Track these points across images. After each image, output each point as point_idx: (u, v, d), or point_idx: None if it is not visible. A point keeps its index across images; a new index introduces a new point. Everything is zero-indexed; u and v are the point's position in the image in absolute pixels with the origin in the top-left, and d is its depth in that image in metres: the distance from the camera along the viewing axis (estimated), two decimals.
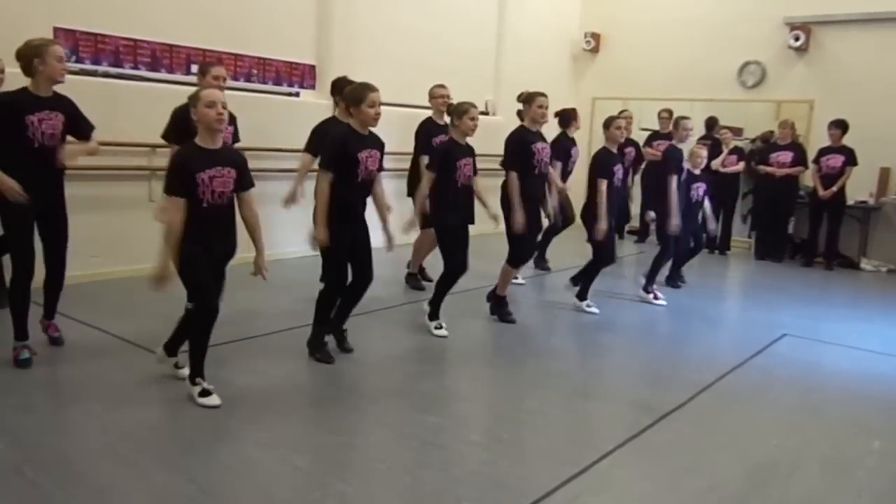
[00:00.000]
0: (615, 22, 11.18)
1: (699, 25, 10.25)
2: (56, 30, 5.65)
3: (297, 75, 7.76)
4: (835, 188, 8.57)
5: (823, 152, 8.73)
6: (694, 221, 6.68)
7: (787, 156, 8.84)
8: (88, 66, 6.04)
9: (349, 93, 4.29)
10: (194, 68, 6.80)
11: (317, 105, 7.16)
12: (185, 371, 3.78)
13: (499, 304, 5.60)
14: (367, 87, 4.17)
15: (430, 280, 6.36)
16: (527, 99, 5.42)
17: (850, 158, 8.53)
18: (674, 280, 7.08)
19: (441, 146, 5.16)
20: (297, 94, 7.73)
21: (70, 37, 5.87)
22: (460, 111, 4.88)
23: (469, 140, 5.01)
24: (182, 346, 3.87)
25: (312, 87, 7.88)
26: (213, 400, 3.62)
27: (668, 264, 6.74)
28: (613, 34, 11.25)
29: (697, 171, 6.61)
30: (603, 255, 5.85)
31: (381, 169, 4.38)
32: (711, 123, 9.66)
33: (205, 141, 3.52)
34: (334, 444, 3.36)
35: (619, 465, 3.33)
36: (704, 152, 6.71)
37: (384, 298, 5.80)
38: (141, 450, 3.17)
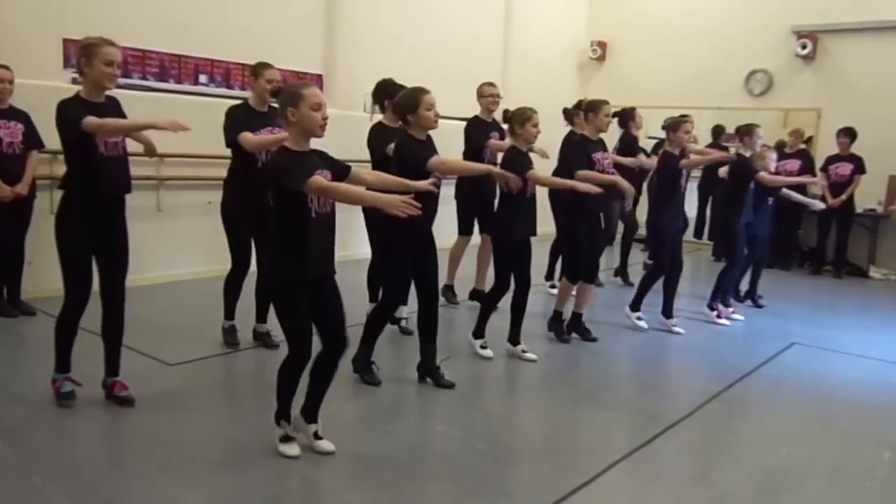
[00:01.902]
0: (622, 31, 11.18)
1: (706, 34, 10.24)
2: (65, 41, 5.70)
3: None
4: (844, 196, 8.54)
5: (832, 160, 8.71)
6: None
7: (794, 164, 8.81)
8: None
9: (401, 101, 4.02)
10: (203, 78, 6.87)
11: None
12: (325, 445, 3.35)
13: (556, 321, 5.40)
14: (419, 90, 3.92)
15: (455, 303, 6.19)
16: (591, 107, 5.16)
17: (859, 166, 8.50)
18: (753, 298, 6.84)
19: (503, 158, 4.79)
20: None
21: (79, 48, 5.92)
22: (522, 118, 4.51)
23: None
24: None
25: None
26: (292, 449, 3.27)
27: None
28: (620, 43, 11.26)
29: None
30: (674, 264, 5.72)
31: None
32: (718, 132, 9.80)
33: (300, 145, 3.09)
34: (341, 454, 3.35)
35: (627, 474, 3.32)
36: (773, 154, 6.26)
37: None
38: (149, 459, 3.18)
